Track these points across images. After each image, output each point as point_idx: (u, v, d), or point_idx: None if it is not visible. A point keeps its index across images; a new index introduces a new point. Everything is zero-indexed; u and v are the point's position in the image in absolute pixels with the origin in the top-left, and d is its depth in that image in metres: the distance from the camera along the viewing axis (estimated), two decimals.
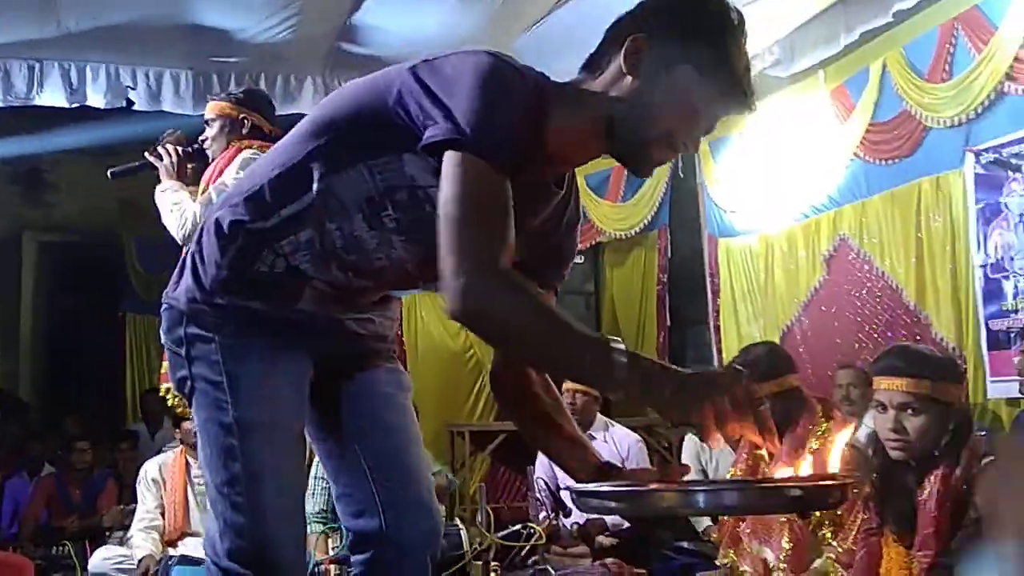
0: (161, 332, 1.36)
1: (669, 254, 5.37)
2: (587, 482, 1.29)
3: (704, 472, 3.99)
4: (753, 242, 4.60)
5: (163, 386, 2.51)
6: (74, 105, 4.11)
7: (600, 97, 1.18)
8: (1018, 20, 3.08)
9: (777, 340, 4.36)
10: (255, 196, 1.26)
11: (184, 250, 2.46)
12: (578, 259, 5.28)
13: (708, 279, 4.99)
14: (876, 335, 3.80)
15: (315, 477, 3.62)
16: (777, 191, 4.34)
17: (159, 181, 2.73)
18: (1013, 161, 3.17)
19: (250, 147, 2.62)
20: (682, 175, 5.11)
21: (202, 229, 1.32)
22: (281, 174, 1.25)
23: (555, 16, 3.73)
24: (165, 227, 2.66)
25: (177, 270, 1.35)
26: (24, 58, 4.00)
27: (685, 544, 3.25)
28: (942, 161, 3.48)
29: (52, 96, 4.06)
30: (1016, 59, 3.10)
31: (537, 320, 1.09)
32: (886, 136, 3.73)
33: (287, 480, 1.30)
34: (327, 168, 1.22)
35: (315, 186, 1.22)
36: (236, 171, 2.54)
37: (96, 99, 4.10)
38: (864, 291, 3.89)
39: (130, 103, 4.16)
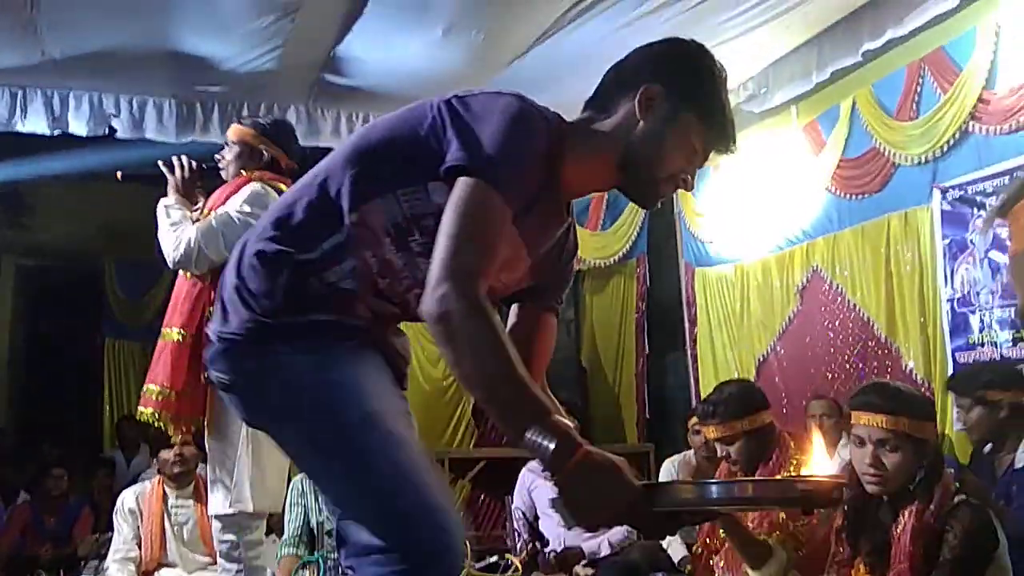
0: (223, 372, 1.32)
1: (647, 282, 5.44)
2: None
3: None
4: (729, 272, 4.67)
5: (146, 410, 2.44)
6: (56, 132, 4.12)
7: (612, 136, 1.33)
8: (981, 62, 3.18)
9: (753, 369, 4.43)
10: (295, 227, 1.30)
11: (185, 281, 2.45)
12: None
13: (685, 308, 5.06)
14: (849, 366, 3.87)
15: (291, 504, 3.60)
16: (752, 222, 4.43)
17: (165, 194, 2.65)
18: (978, 199, 3.26)
19: (260, 180, 2.58)
20: (659, 205, 5.18)
21: (239, 262, 1.32)
22: (317, 205, 1.30)
23: (534, 53, 3.81)
24: (146, 251, 2.64)
25: (219, 308, 1.34)
26: (6, 85, 4.02)
27: (661, 575, 3.27)
28: (910, 197, 3.57)
29: (35, 123, 4.07)
30: (980, 100, 3.20)
31: (494, 351, 1.15)
32: (856, 171, 3.82)
33: (424, 457, 1.30)
34: (361, 197, 1.27)
35: (351, 216, 1.27)
36: (241, 203, 2.50)
37: (78, 127, 4.11)
38: (837, 322, 3.96)
39: (112, 130, 4.17)
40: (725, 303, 4.70)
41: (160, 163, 2.69)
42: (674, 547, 3.53)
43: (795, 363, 4.20)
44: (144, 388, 2.48)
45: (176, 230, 2.52)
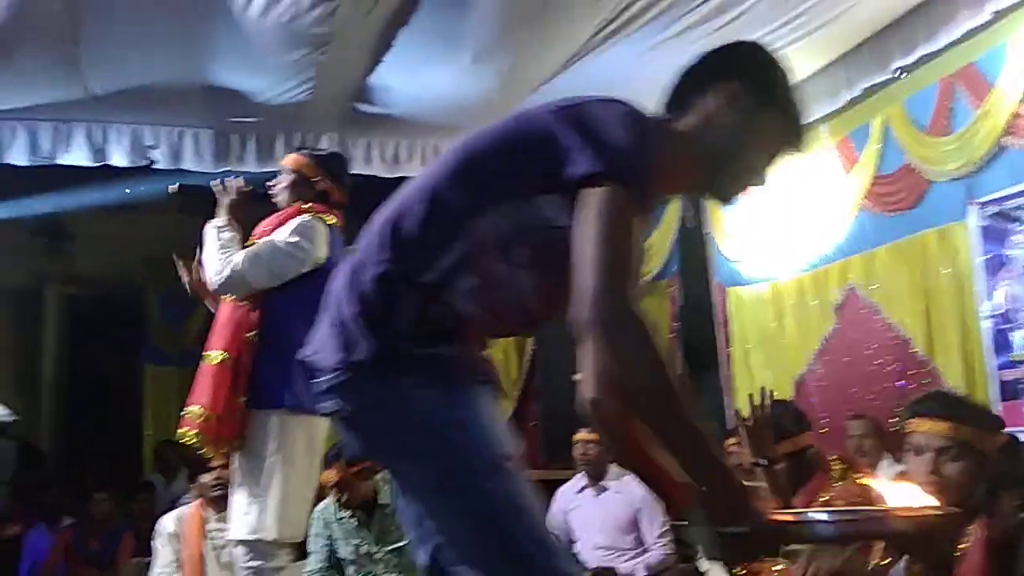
0: (344, 403, 1.27)
1: (680, 302, 5.42)
2: (678, 514, 1.43)
3: None
4: (763, 291, 4.63)
5: (188, 432, 2.44)
6: (98, 164, 4.24)
7: (694, 136, 1.33)
8: (1014, 77, 3.15)
9: (790, 390, 4.37)
10: (410, 246, 1.26)
11: (227, 304, 2.48)
12: None
13: (719, 328, 5.01)
14: (887, 385, 3.81)
15: (315, 535, 3.54)
16: (785, 240, 4.39)
17: (201, 223, 2.64)
18: (1015, 214, 3.21)
19: (309, 211, 2.58)
20: (689, 225, 5.18)
21: (356, 286, 1.27)
22: (429, 220, 1.26)
23: (562, 77, 3.84)
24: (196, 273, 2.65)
25: (334, 337, 1.27)
26: (50, 119, 4.14)
27: None
28: (946, 213, 3.52)
29: (77, 155, 4.19)
30: (1015, 114, 3.16)
31: (658, 366, 1.15)
32: (890, 188, 3.78)
33: (539, 509, 1.27)
34: (473, 211, 1.25)
35: (465, 231, 1.24)
36: (289, 232, 2.51)
37: (119, 158, 4.22)
38: (874, 341, 3.90)
39: (152, 162, 4.28)
40: (760, 322, 4.66)
41: (213, 184, 2.69)
42: (715, 571, 3.48)
43: (833, 383, 4.14)
44: (185, 410, 2.48)
45: (225, 253, 2.51)
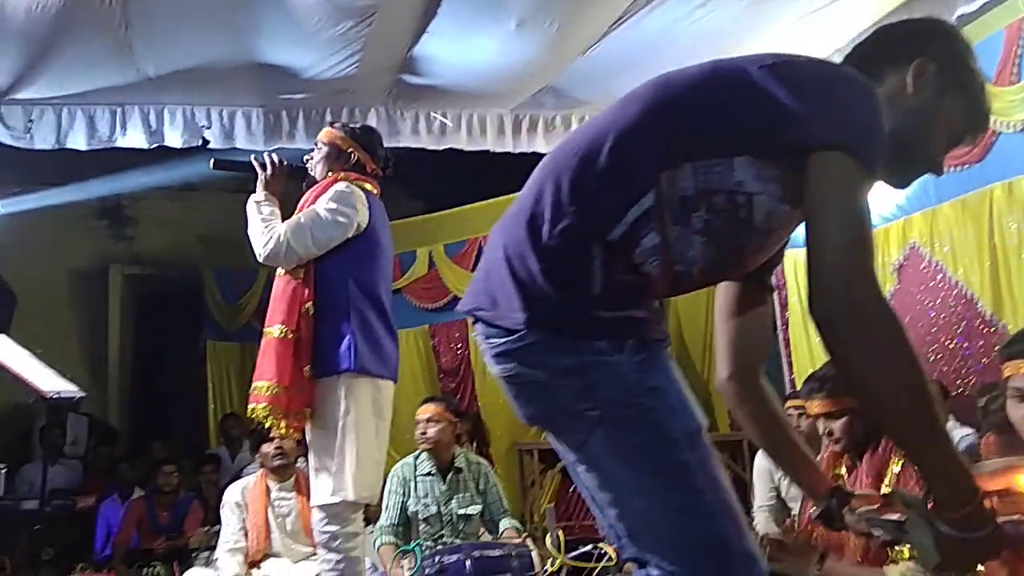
0: (523, 367, 1.18)
1: None
2: (821, 502, 1.45)
3: (776, 490, 3.93)
4: None
5: (258, 406, 2.48)
6: (153, 146, 4.32)
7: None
8: None
9: None
10: (594, 197, 1.16)
11: (281, 280, 2.54)
12: None
13: (776, 291, 4.92)
14: (952, 346, 3.70)
15: (390, 491, 3.71)
16: None
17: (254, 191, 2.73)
18: None
19: (346, 179, 2.66)
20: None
21: (538, 241, 1.17)
22: (613, 171, 1.17)
23: (608, 41, 3.77)
24: (241, 257, 2.72)
25: (515, 295, 1.17)
26: (107, 103, 4.23)
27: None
28: (1013, 166, 3.38)
29: (133, 138, 4.27)
30: None
31: (913, 360, 1.07)
32: None
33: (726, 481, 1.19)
34: (662, 163, 1.15)
35: (652, 184, 1.15)
36: (328, 200, 2.58)
37: (174, 139, 4.28)
38: (938, 301, 3.79)
39: (205, 141, 4.35)
40: None
41: (252, 159, 2.76)
42: (764, 522, 3.49)
43: None
44: (252, 386, 2.54)
45: (266, 226, 2.59)
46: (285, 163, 2.76)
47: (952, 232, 3.69)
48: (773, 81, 1.14)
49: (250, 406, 2.52)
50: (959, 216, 3.65)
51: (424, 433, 3.66)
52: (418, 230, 6.06)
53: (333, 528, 2.49)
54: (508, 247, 1.20)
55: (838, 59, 1.33)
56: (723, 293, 1.45)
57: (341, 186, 2.62)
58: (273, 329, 2.54)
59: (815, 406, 2.33)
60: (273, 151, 4.30)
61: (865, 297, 1.05)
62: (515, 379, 1.20)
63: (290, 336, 2.51)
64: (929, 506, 1.13)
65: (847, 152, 1.10)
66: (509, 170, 5.07)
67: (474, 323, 1.25)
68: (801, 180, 1.13)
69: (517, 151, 4.54)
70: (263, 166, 2.73)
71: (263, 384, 2.49)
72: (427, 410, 3.73)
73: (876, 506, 1.36)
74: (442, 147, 4.49)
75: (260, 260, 2.61)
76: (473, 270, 5.90)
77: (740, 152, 1.15)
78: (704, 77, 1.21)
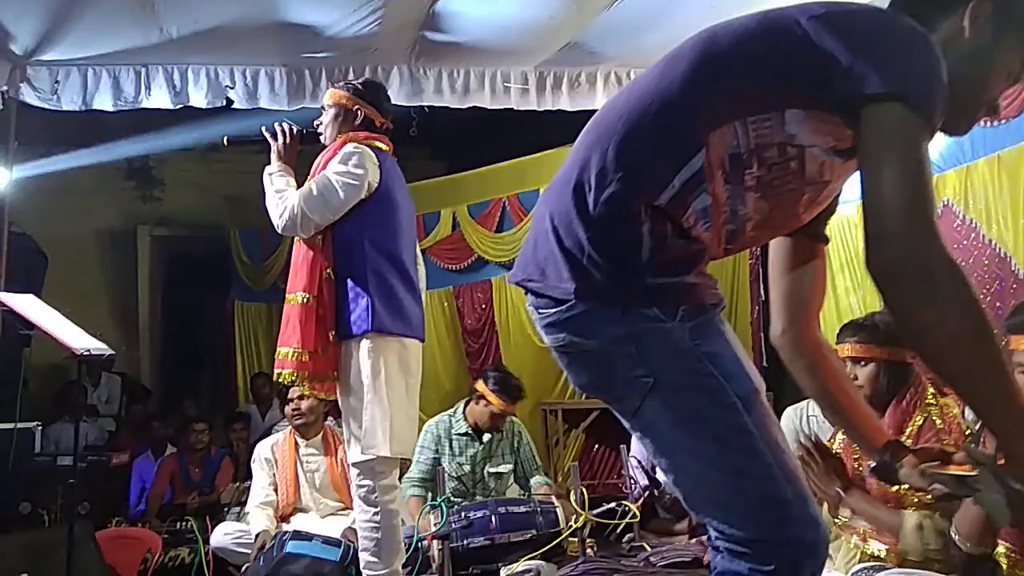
0: (576, 336, 1.17)
1: None
2: (879, 456, 1.43)
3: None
4: (849, 211, 4.43)
5: (285, 372, 2.52)
6: (178, 106, 4.33)
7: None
8: None
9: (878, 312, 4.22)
10: (641, 160, 1.14)
11: (301, 246, 2.56)
12: None
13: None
14: (985, 305, 3.63)
15: (422, 446, 3.78)
16: None
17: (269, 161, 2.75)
18: None
19: (355, 140, 2.65)
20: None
21: (584, 207, 1.15)
22: (660, 133, 1.15)
23: None
24: (266, 218, 2.68)
25: (564, 264, 1.16)
26: (131, 64, 4.24)
27: None
28: None
29: (158, 99, 4.28)
30: None
31: (981, 313, 1.04)
32: None
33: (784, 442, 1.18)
34: (712, 123, 1.13)
35: (701, 144, 1.13)
36: (337, 163, 2.58)
37: (198, 99, 4.29)
38: (971, 259, 3.71)
39: (229, 102, 4.34)
40: (846, 244, 4.48)
41: (263, 130, 2.76)
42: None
43: None
44: (277, 352, 2.57)
45: (280, 197, 2.60)
46: (296, 130, 2.76)
47: (987, 189, 3.60)
48: (825, 33, 1.11)
49: (276, 371, 2.56)
50: (994, 173, 3.56)
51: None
52: (441, 191, 6.03)
53: (368, 482, 2.55)
54: (555, 217, 1.18)
55: (885, 3, 1.28)
56: (777, 248, 1.44)
57: (350, 148, 2.61)
58: (296, 296, 2.56)
59: (844, 350, 2.34)
60: (298, 111, 4.33)
61: (929, 251, 1.02)
62: (567, 349, 1.20)
63: (312, 302, 2.53)
64: (1000, 462, 1.11)
65: (905, 104, 1.06)
66: (534, 128, 5.03)
67: (525, 294, 1.25)
68: (855, 131, 1.11)
69: (542, 109, 4.48)
70: (275, 136, 2.73)
71: (288, 350, 2.52)
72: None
73: (938, 462, 1.34)
74: (465, 105, 4.45)
75: (279, 231, 2.62)
76: (497, 231, 5.89)
77: (792, 106, 1.12)
78: (751, 31, 1.17)
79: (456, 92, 4.45)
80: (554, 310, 1.18)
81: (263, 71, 4.33)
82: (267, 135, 2.75)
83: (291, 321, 2.55)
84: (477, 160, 5.95)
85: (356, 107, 2.73)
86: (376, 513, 2.54)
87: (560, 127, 4.97)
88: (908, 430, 2.24)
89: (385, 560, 2.55)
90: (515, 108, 4.47)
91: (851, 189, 3.95)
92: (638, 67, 4.39)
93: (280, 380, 2.56)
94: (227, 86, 4.31)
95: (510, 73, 4.44)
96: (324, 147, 2.76)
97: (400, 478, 2.93)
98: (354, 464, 2.57)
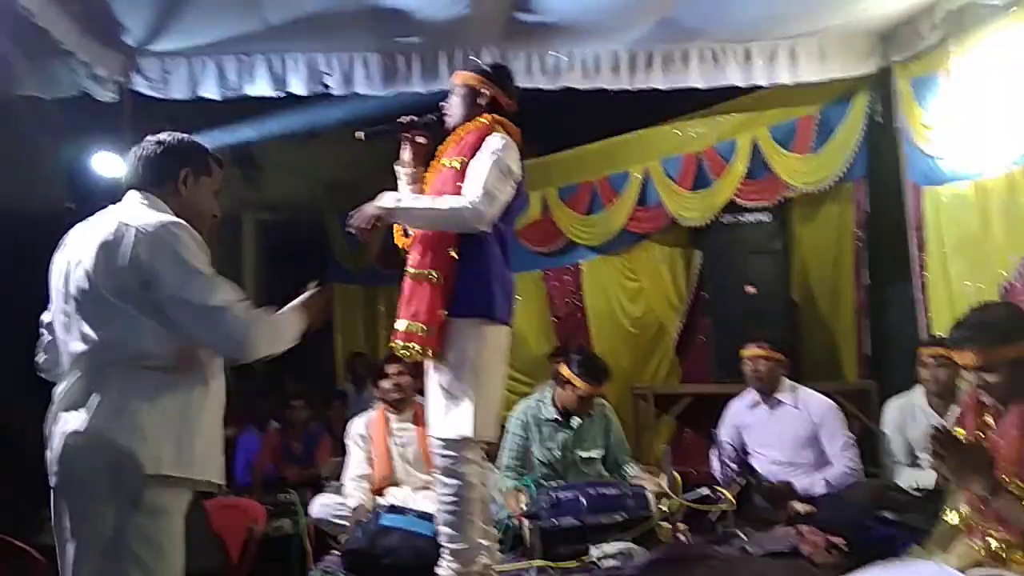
0: None
1: (866, 207, 5.03)
2: None
3: (908, 442, 3.75)
4: (965, 189, 4.18)
5: (409, 344, 2.57)
6: (279, 94, 4.46)
7: None
8: None
9: (996, 298, 3.97)
10: None
11: None
12: (764, 216, 5.09)
13: (912, 232, 4.61)
14: None
15: (512, 432, 3.80)
16: (993, 132, 3.92)
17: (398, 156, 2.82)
18: None
19: (496, 128, 2.66)
20: (880, 120, 4.74)
21: None
22: None
23: None
24: (363, 202, 2.72)
25: None
26: (234, 53, 4.38)
27: (887, 514, 3.05)
28: None
29: (260, 86, 4.41)
30: None
31: None
32: None
33: None
34: None
35: None
36: (495, 158, 2.56)
37: (298, 86, 4.41)
38: None
39: (327, 88, 4.45)
40: (960, 225, 4.23)
41: (361, 136, 2.79)
42: (923, 477, 3.35)
43: None
44: (405, 324, 2.59)
45: (446, 207, 2.55)
46: (428, 122, 2.79)
47: None
48: None
49: (397, 343, 2.60)
50: None
51: (756, 370, 3.84)
52: (532, 173, 5.99)
53: (453, 454, 2.59)
54: None
55: None
56: None
57: (499, 143, 2.61)
58: (424, 272, 2.59)
59: (967, 358, 2.17)
60: (393, 97, 4.38)
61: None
62: None
63: (440, 280, 2.57)
64: None
65: None
66: (625, 109, 4.93)
67: None
68: None
69: (635, 88, 4.40)
70: (410, 143, 2.79)
71: (414, 325, 2.56)
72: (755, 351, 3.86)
73: None
74: (557, 86, 4.41)
75: (466, 229, 2.57)
76: (587, 214, 5.84)
77: None
78: None
79: (547, 73, 4.42)
80: None
81: (358, 57, 4.40)
82: (406, 137, 2.81)
83: (418, 296, 2.59)
84: (568, 142, 5.89)
85: (483, 88, 2.76)
86: (457, 486, 2.58)
87: (652, 106, 4.87)
88: None
89: (463, 532, 2.59)
90: (607, 88, 4.40)
91: (963, 165, 3.74)
92: (731, 43, 4.25)
93: (400, 353, 2.60)
94: (324, 73, 4.40)
95: (601, 53, 4.37)
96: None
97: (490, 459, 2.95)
98: (439, 438, 2.60)
